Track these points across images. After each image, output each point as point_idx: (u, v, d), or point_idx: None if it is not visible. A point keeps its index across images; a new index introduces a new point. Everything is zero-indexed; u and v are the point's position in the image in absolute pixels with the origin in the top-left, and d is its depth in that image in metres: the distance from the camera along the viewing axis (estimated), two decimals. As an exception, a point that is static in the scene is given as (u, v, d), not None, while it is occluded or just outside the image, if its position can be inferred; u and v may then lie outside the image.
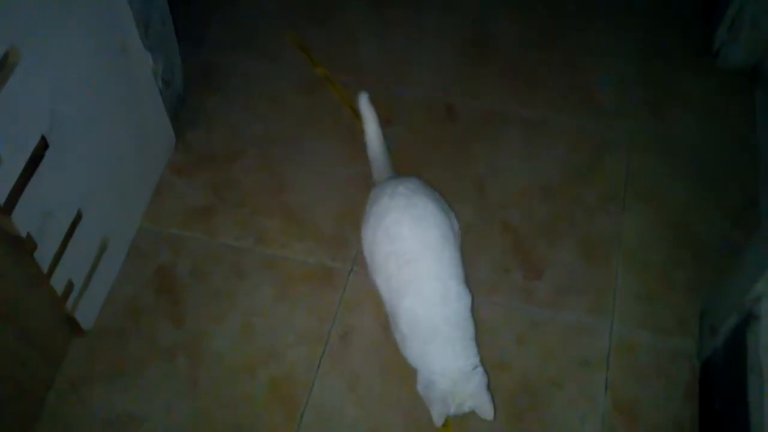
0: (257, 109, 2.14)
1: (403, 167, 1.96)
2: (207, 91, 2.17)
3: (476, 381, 1.48)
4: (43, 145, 1.43)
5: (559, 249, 1.87)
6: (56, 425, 1.60)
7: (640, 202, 1.94)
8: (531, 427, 1.61)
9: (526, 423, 1.61)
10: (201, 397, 1.64)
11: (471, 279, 1.61)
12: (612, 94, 2.18)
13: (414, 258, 1.54)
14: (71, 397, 1.63)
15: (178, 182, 1.98)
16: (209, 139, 2.07)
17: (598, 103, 2.16)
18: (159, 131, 1.98)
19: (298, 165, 2.02)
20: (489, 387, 1.48)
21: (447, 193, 1.93)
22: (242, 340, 1.72)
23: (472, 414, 1.49)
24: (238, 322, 1.75)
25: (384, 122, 1.80)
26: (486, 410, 1.47)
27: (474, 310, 1.55)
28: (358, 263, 1.82)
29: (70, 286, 1.60)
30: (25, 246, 1.42)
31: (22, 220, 1.39)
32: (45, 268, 1.49)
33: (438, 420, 1.47)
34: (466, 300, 1.54)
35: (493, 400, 1.47)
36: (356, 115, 2.06)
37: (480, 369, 1.50)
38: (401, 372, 1.58)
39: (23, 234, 1.40)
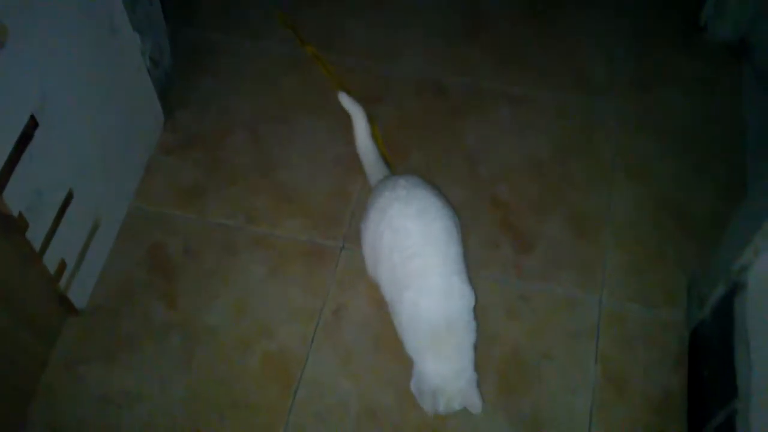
0: (246, 88, 2.14)
1: (392, 145, 1.97)
2: (196, 71, 2.16)
3: (466, 378, 1.48)
4: (32, 124, 1.43)
5: (548, 224, 1.88)
6: (52, 403, 1.61)
7: (628, 177, 1.96)
8: (522, 399, 1.63)
9: (517, 394, 1.63)
10: (195, 373, 1.65)
11: (462, 253, 1.63)
12: (601, 71, 2.19)
13: (418, 252, 1.52)
14: (66, 376, 1.64)
15: (169, 162, 1.98)
16: (199, 119, 2.07)
17: (587, 80, 2.17)
18: (148, 111, 1.98)
19: (288, 144, 2.02)
20: (478, 385, 1.49)
21: (437, 170, 1.95)
22: (235, 318, 1.73)
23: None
24: (231, 299, 1.76)
25: (374, 100, 1.81)
26: (475, 404, 1.47)
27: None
28: (350, 241, 1.83)
29: (62, 265, 1.60)
30: (16, 225, 1.42)
31: (14, 199, 1.39)
32: (37, 247, 1.50)
33: (430, 413, 1.49)
34: (469, 299, 1.53)
35: (481, 397, 1.48)
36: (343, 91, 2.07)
37: (472, 373, 1.50)
38: (393, 347, 1.59)
39: (15, 213, 1.40)
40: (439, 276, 1.52)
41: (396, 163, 1.93)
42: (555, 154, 2.01)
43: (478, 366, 1.51)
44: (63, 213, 1.57)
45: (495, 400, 1.62)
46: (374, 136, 1.79)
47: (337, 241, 1.85)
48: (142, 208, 1.90)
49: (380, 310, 1.67)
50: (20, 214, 1.41)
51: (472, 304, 1.54)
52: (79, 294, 1.69)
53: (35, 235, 1.49)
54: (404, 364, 1.54)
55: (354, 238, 1.82)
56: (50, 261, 1.55)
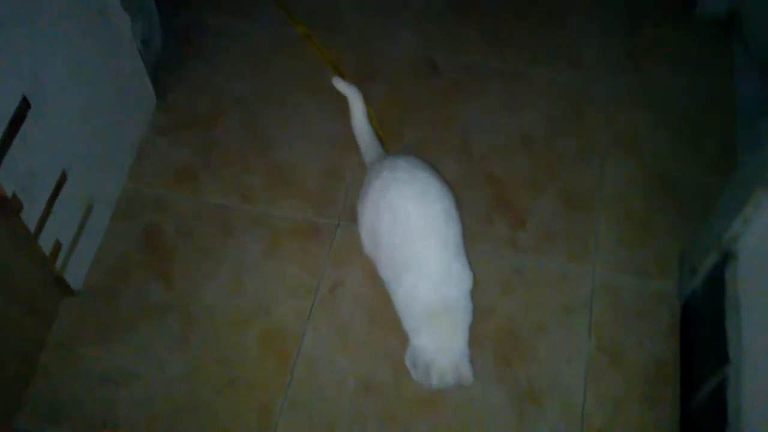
0: (238, 68, 2.14)
1: (386, 123, 1.97)
2: (187, 52, 2.16)
3: (460, 353, 1.49)
4: (25, 106, 1.43)
5: (541, 199, 1.90)
6: (50, 384, 1.62)
7: (620, 152, 1.97)
8: (518, 371, 1.65)
9: (513, 367, 1.65)
10: (194, 352, 1.66)
11: (456, 228, 1.64)
12: (592, 47, 2.20)
13: (418, 235, 1.53)
14: (64, 356, 1.65)
15: (162, 143, 1.98)
16: (191, 99, 2.07)
17: (578, 57, 2.18)
18: (140, 92, 1.97)
19: (282, 123, 2.02)
20: (471, 361, 1.50)
21: (430, 148, 1.96)
22: (232, 296, 1.74)
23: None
24: (228, 278, 1.76)
25: (367, 79, 1.81)
26: (466, 376, 1.48)
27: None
28: (345, 218, 1.84)
29: (57, 246, 1.60)
30: (11, 206, 1.43)
31: (7, 180, 1.39)
32: (32, 228, 1.50)
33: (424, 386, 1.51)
34: (468, 282, 1.55)
35: (473, 371, 1.49)
36: (337, 72, 2.07)
37: (466, 349, 1.51)
38: (389, 322, 1.60)
39: (9, 193, 1.40)
40: (439, 260, 1.53)
41: (389, 142, 1.93)
42: (547, 130, 2.02)
43: (474, 340, 1.53)
44: (57, 194, 1.57)
45: (491, 372, 1.64)
46: (369, 116, 1.80)
47: (333, 219, 1.85)
48: (136, 189, 1.90)
49: (376, 286, 1.68)
50: (14, 194, 1.42)
51: (470, 287, 1.55)
52: (74, 275, 1.70)
53: (30, 217, 1.49)
54: (400, 339, 1.56)
55: (349, 216, 1.83)
56: (45, 242, 1.56)
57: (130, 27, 1.84)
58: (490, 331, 1.69)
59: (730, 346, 1.37)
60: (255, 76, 2.12)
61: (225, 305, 1.73)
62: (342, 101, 1.79)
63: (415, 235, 1.52)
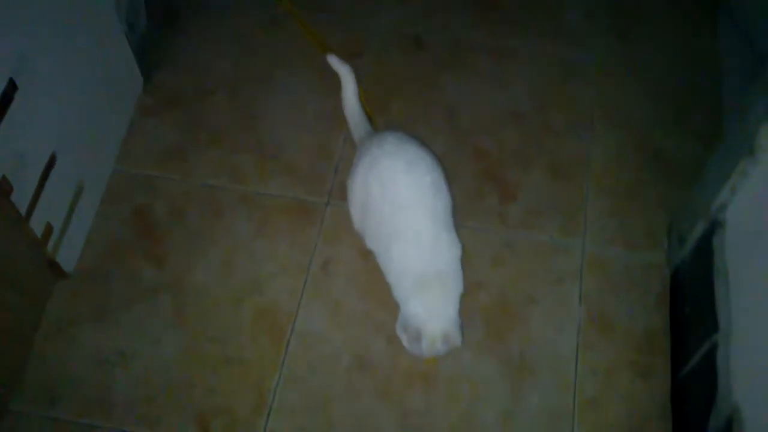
0: (224, 47, 2.12)
1: (373, 99, 1.97)
2: (172, 32, 2.14)
3: (450, 320, 1.50)
4: (12, 88, 1.42)
5: (530, 172, 1.91)
6: (46, 366, 1.62)
7: (607, 124, 1.99)
8: (510, 343, 1.67)
9: (505, 339, 1.67)
10: (188, 331, 1.67)
11: (446, 203, 1.65)
12: (579, 20, 2.20)
13: (408, 204, 1.54)
14: (59, 338, 1.65)
15: (149, 123, 1.97)
16: (178, 80, 2.06)
17: (565, 29, 2.18)
18: (126, 73, 1.96)
19: (269, 101, 2.02)
20: (461, 328, 1.51)
21: (418, 123, 1.96)
22: (225, 275, 1.74)
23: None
24: (220, 258, 1.77)
25: (353, 56, 1.81)
26: (454, 337, 1.50)
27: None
28: (334, 196, 1.85)
29: (49, 229, 1.60)
30: (1, 188, 1.42)
31: (-3, 162, 1.39)
32: (23, 211, 1.50)
33: (415, 354, 1.52)
34: (457, 250, 1.56)
35: (462, 334, 1.51)
36: (322, 50, 2.06)
37: (456, 317, 1.52)
38: (382, 296, 1.62)
39: (-1, 176, 1.40)
40: (428, 228, 1.54)
41: (377, 118, 1.94)
42: (535, 104, 2.03)
43: (466, 313, 1.54)
44: (47, 176, 1.57)
45: (483, 345, 1.66)
46: (359, 94, 1.80)
47: (322, 197, 1.86)
48: (125, 170, 1.89)
49: (367, 263, 1.69)
50: (4, 177, 1.41)
51: (460, 254, 1.56)
52: (67, 257, 1.70)
53: (20, 199, 1.48)
54: (392, 313, 1.57)
55: (338, 194, 1.84)
56: (37, 225, 1.56)
57: (114, 7, 1.82)
58: (481, 305, 1.71)
59: (720, 314, 1.39)
60: (241, 54, 2.11)
61: (217, 284, 1.73)
62: (330, 78, 1.78)
63: (404, 205, 1.54)
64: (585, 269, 1.75)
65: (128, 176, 1.88)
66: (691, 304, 1.59)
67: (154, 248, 1.78)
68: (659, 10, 2.22)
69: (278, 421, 1.57)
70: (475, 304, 1.69)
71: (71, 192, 1.70)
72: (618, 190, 1.87)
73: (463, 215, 1.79)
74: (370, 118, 1.83)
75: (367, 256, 1.67)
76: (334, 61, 1.77)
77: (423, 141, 1.68)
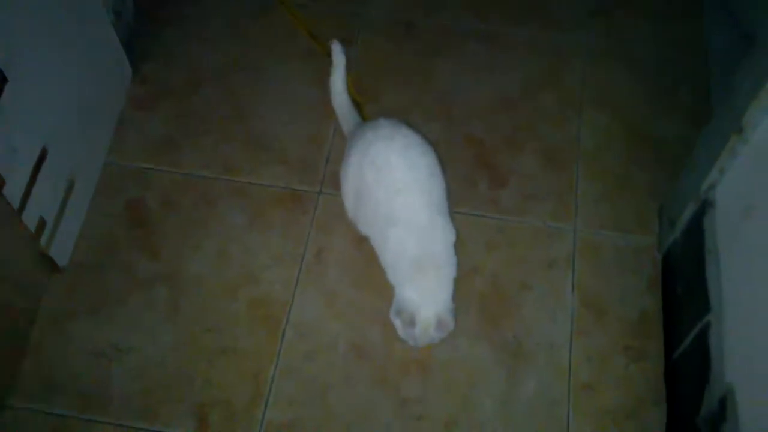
0: (213, 37, 2.12)
1: (364, 87, 1.97)
2: (160, 22, 2.13)
3: (443, 305, 1.51)
4: (2, 79, 1.41)
5: (521, 158, 1.91)
6: (43, 360, 1.62)
7: (597, 108, 1.99)
8: (505, 328, 1.68)
9: (500, 325, 1.68)
10: (184, 323, 1.67)
11: (439, 190, 1.65)
12: (568, 4, 2.20)
13: (403, 188, 1.54)
14: (55, 332, 1.65)
15: (140, 115, 1.97)
16: (167, 70, 2.05)
17: (553, 14, 2.18)
18: (115, 64, 1.95)
19: (259, 91, 2.01)
20: (454, 313, 1.52)
21: (410, 110, 1.96)
22: (219, 266, 1.75)
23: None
24: (214, 249, 1.77)
25: (344, 42, 1.80)
26: (446, 321, 1.50)
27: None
28: (327, 185, 1.85)
29: (42, 223, 1.60)
30: (-7, 183, 1.42)
31: (-12, 157, 1.38)
32: (15, 205, 1.49)
33: (409, 342, 1.54)
34: (451, 235, 1.57)
35: (455, 319, 1.52)
36: (312, 38, 2.06)
37: (450, 302, 1.53)
38: (376, 284, 1.62)
39: (-10, 171, 1.40)
40: (423, 212, 1.55)
41: (368, 106, 1.94)
42: (525, 89, 2.03)
43: (460, 299, 1.55)
44: (38, 170, 1.56)
45: (477, 330, 1.67)
46: (348, 84, 1.80)
47: (315, 186, 1.86)
48: (117, 163, 1.89)
49: (361, 250, 1.70)
50: (-4, 172, 1.41)
51: (454, 239, 1.57)
52: (60, 251, 1.70)
53: (12, 193, 1.48)
54: (387, 300, 1.57)
55: (330, 183, 1.84)
56: (30, 219, 1.55)
57: (101, -2, 1.82)
58: (475, 291, 1.71)
59: (711, 294, 1.41)
60: (230, 44, 2.10)
61: (212, 275, 1.73)
62: (320, 67, 1.78)
63: (399, 189, 1.54)
64: (577, 254, 1.76)
65: (120, 169, 1.88)
66: (682, 286, 1.60)
67: (148, 240, 1.77)
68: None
69: (275, 411, 1.58)
70: (470, 290, 1.70)
71: (63, 185, 1.69)
72: (608, 173, 1.88)
73: (456, 201, 1.80)
74: (359, 109, 1.83)
75: (361, 244, 1.68)
76: (337, 49, 1.76)
77: (414, 126, 1.68)
